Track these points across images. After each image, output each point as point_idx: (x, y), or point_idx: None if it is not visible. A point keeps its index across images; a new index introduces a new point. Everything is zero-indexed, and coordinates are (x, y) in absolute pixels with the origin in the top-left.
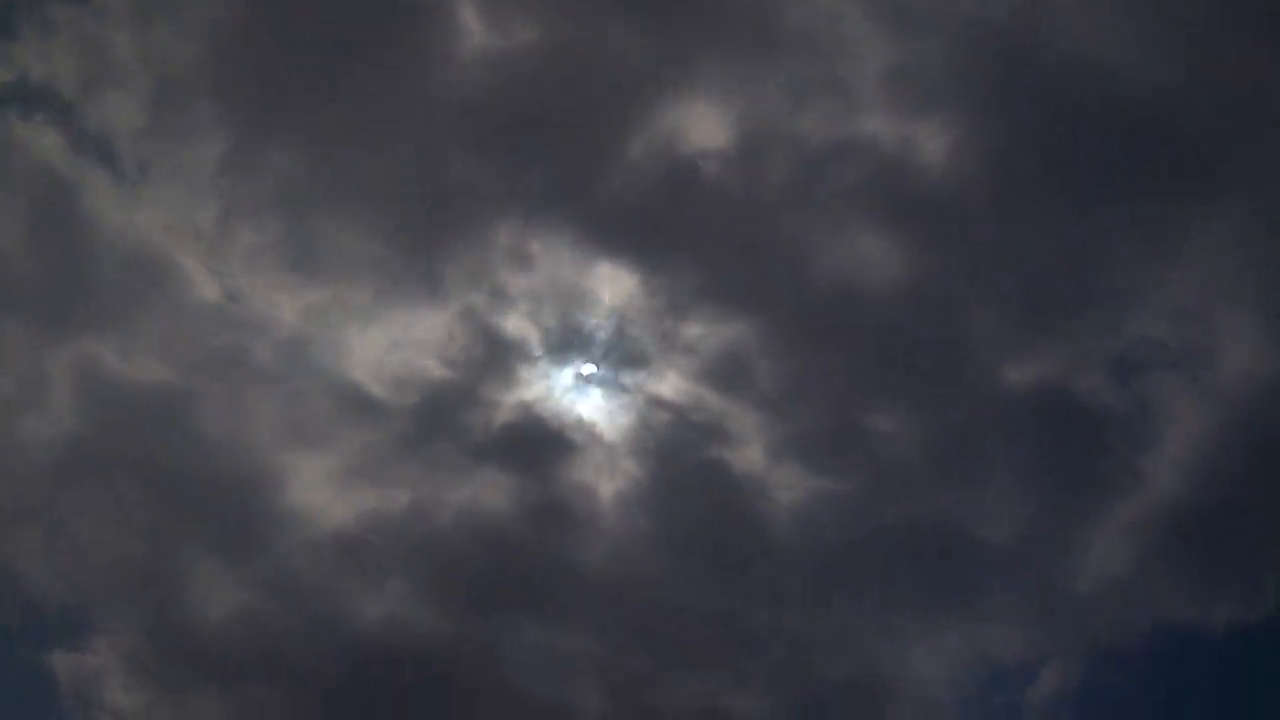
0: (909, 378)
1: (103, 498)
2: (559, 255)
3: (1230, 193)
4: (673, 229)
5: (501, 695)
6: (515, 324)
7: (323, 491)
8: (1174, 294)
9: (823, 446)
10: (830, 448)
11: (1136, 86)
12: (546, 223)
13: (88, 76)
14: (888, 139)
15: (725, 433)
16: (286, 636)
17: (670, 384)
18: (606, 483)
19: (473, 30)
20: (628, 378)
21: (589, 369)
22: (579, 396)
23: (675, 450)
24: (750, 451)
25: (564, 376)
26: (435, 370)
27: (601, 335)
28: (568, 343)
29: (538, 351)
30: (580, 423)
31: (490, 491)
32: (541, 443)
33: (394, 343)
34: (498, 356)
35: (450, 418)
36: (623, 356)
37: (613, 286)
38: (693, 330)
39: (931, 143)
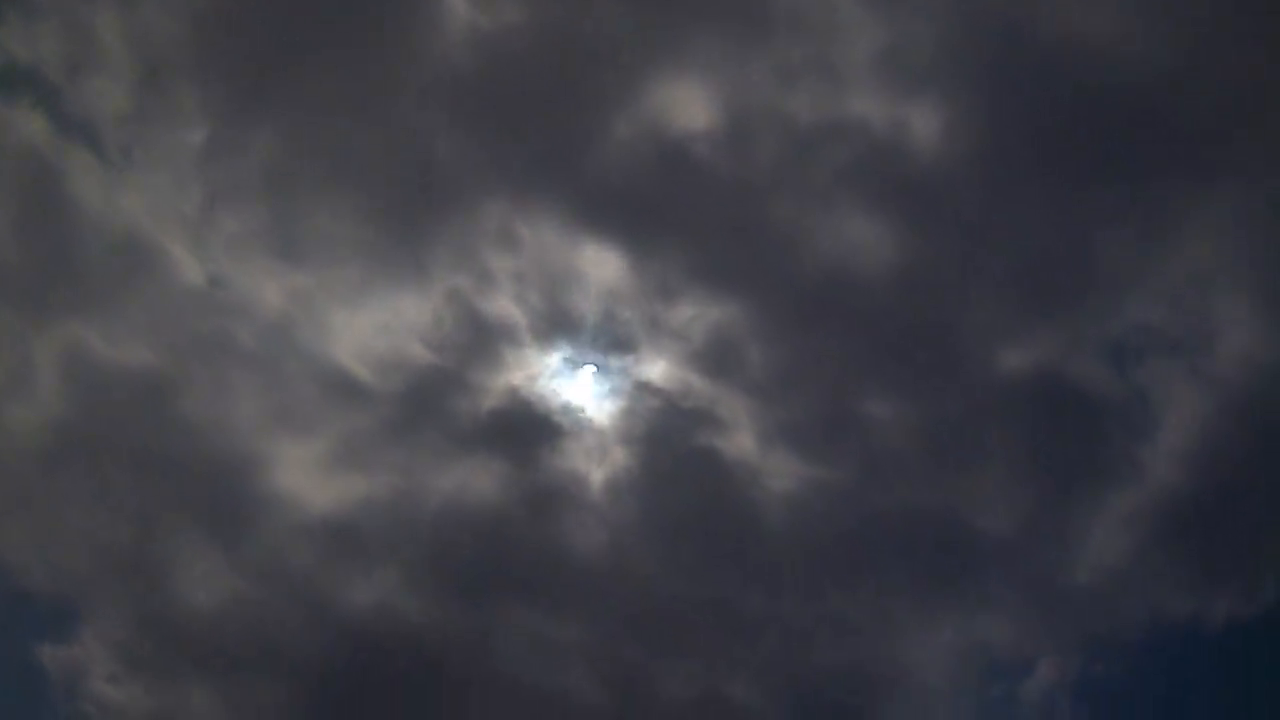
0: (903, 363)
1: (90, 484)
2: (546, 237)
3: (1227, 175)
4: (661, 211)
5: (493, 682)
6: (502, 307)
7: (310, 477)
8: (1171, 278)
9: (815, 434)
10: (823, 435)
11: (1132, 67)
12: (533, 204)
13: (73, 61)
14: (879, 121)
15: (716, 419)
16: (276, 624)
17: (660, 369)
18: (596, 469)
19: (458, 11)
20: (616, 362)
21: (577, 353)
22: (567, 381)
23: (665, 436)
24: (742, 438)
25: (552, 360)
26: (422, 355)
27: (590, 319)
28: (555, 326)
29: (525, 335)
30: (568, 408)
31: (478, 477)
32: (529, 428)
33: (380, 327)
34: (484, 340)
35: (438, 403)
36: (611, 340)
37: (601, 269)
38: (682, 314)
39: (924, 125)
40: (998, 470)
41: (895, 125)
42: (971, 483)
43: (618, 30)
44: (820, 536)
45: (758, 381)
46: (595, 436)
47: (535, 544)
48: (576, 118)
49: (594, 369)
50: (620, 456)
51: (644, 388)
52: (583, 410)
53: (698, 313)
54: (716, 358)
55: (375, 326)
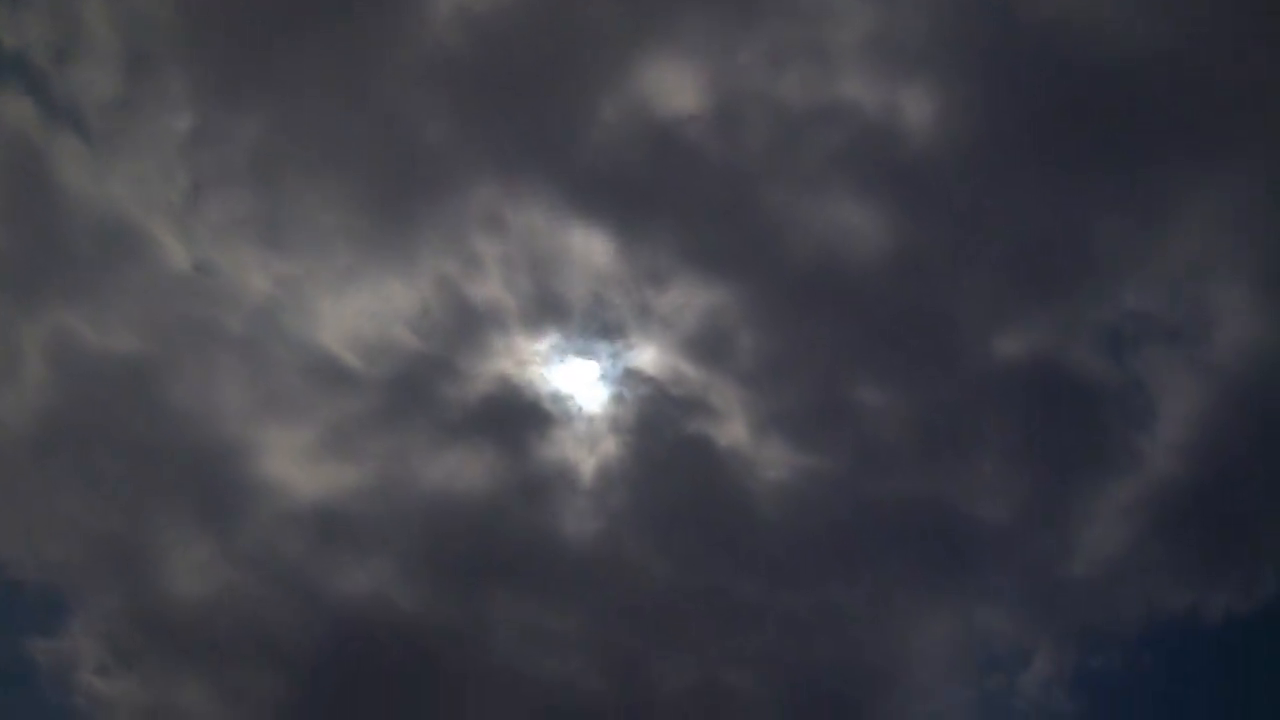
0: (897, 351)
1: (78, 473)
2: (534, 222)
3: (1226, 160)
4: (651, 195)
5: (485, 671)
6: (490, 292)
7: (299, 464)
8: (1169, 265)
9: (808, 422)
10: (816, 423)
11: (1129, 50)
12: (522, 189)
13: (60, 46)
14: (871, 104)
15: (708, 406)
16: (266, 613)
17: (650, 355)
18: (587, 457)
19: None
20: (606, 348)
21: (567, 340)
22: (557, 368)
23: (656, 424)
24: (734, 426)
25: (541, 347)
26: (410, 341)
27: (579, 304)
28: (544, 312)
29: (514, 321)
30: (558, 395)
31: (468, 465)
32: (518, 416)
33: (368, 312)
34: (473, 327)
35: (426, 389)
36: (601, 327)
37: (590, 254)
38: (672, 299)
39: (916, 108)
40: (993, 459)
41: (888, 109)
42: (967, 472)
43: (606, 13)
44: (814, 526)
45: (750, 368)
46: (585, 424)
47: (526, 532)
48: (565, 101)
49: (584, 356)
50: (611, 444)
51: (634, 375)
52: (572, 398)
53: (688, 298)
54: (708, 344)
55: (363, 312)
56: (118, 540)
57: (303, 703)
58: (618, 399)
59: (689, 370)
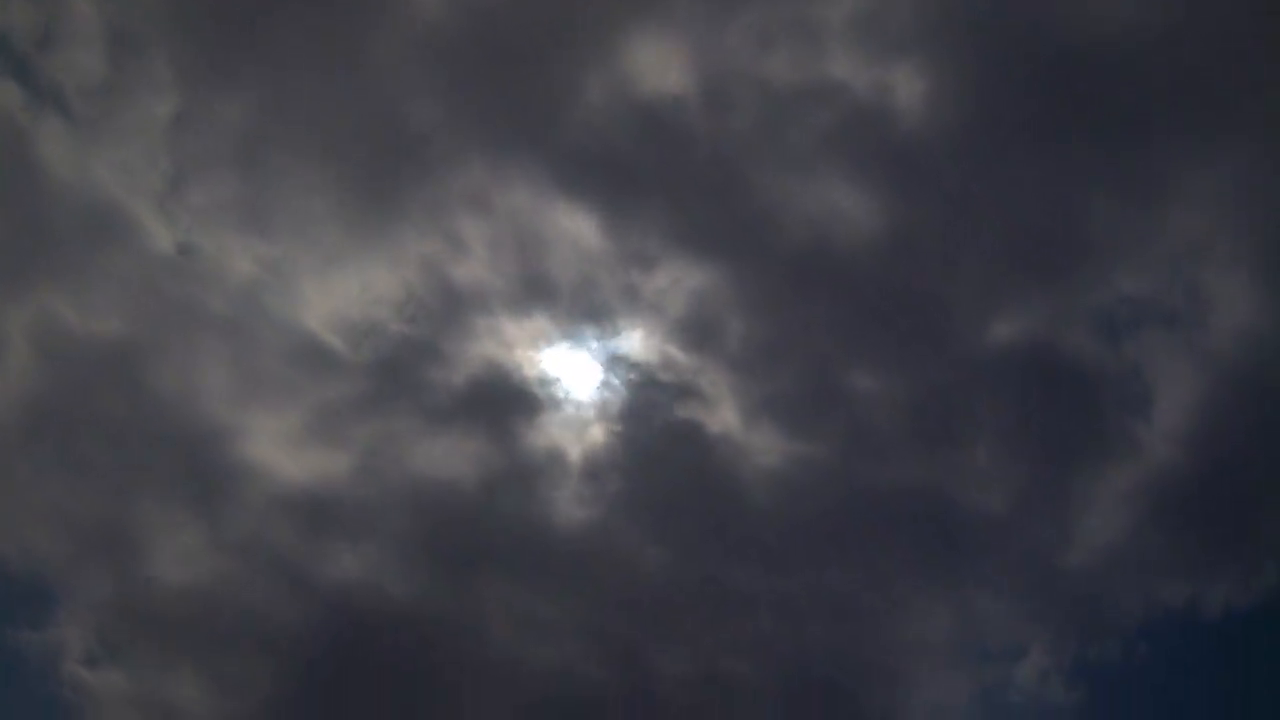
0: (889, 335)
1: (63, 459)
2: (520, 203)
3: (1224, 141)
4: (638, 176)
5: (477, 658)
6: (476, 274)
7: (285, 449)
8: (1165, 247)
9: (798, 408)
10: (807, 409)
11: (1123, 27)
12: (507, 169)
13: (44, 29)
14: (861, 84)
15: (696, 391)
16: (254, 600)
17: (638, 339)
18: (574, 442)
19: None
20: (593, 331)
21: (553, 323)
22: (543, 351)
23: (645, 410)
24: (723, 412)
25: (528, 330)
26: (395, 324)
27: (565, 287)
28: (531, 295)
29: (500, 304)
30: (545, 379)
31: (454, 450)
32: (505, 400)
33: (352, 295)
34: (458, 309)
35: (412, 373)
36: (588, 310)
37: (576, 235)
38: (660, 282)
39: (907, 88)
40: (988, 446)
41: (878, 89)
42: (961, 459)
43: None
44: (806, 514)
45: (740, 353)
46: (574, 409)
47: (516, 519)
48: (551, 81)
49: (571, 340)
50: (599, 430)
51: (622, 360)
52: (560, 381)
53: (677, 281)
54: (697, 328)
55: (348, 295)
56: (104, 528)
57: (293, 691)
58: (606, 384)
59: (678, 355)
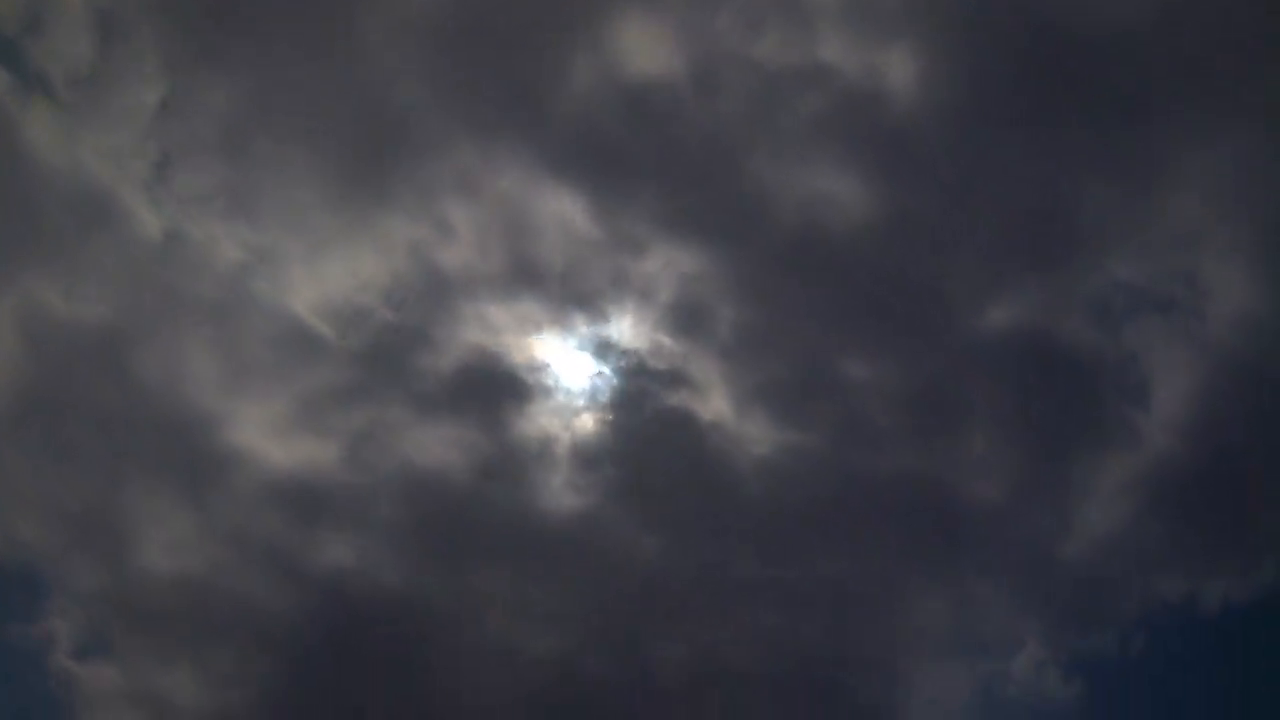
0: (882, 322)
1: (51, 447)
2: (509, 187)
3: (1221, 124)
4: (627, 159)
5: (469, 647)
6: (463, 259)
7: (272, 437)
8: (1161, 233)
9: (792, 396)
10: (800, 397)
11: (1120, 8)
12: (494, 153)
13: (32, 14)
14: (852, 68)
15: (687, 378)
16: (245, 590)
17: (628, 325)
18: (564, 429)
19: None
20: (583, 317)
21: (543, 309)
22: (533, 337)
23: (636, 399)
24: (716, 401)
25: (517, 316)
26: (382, 311)
27: (555, 271)
28: (519, 280)
29: (488, 289)
30: (535, 366)
31: (444, 437)
32: (494, 388)
33: (339, 281)
34: (446, 295)
35: (400, 360)
36: (577, 295)
37: (564, 220)
38: (650, 267)
39: (899, 71)
40: (984, 435)
41: (869, 72)
42: (956, 448)
43: None
44: (800, 504)
45: (731, 340)
46: (564, 396)
47: (507, 507)
48: (539, 63)
49: (560, 326)
50: (590, 418)
51: (612, 347)
52: (549, 367)
53: (666, 266)
54: (687, 315)
55: (335, 281)
56: (92, 517)
57: (285, 680)
58: (596, 371)
59: (669, 342)
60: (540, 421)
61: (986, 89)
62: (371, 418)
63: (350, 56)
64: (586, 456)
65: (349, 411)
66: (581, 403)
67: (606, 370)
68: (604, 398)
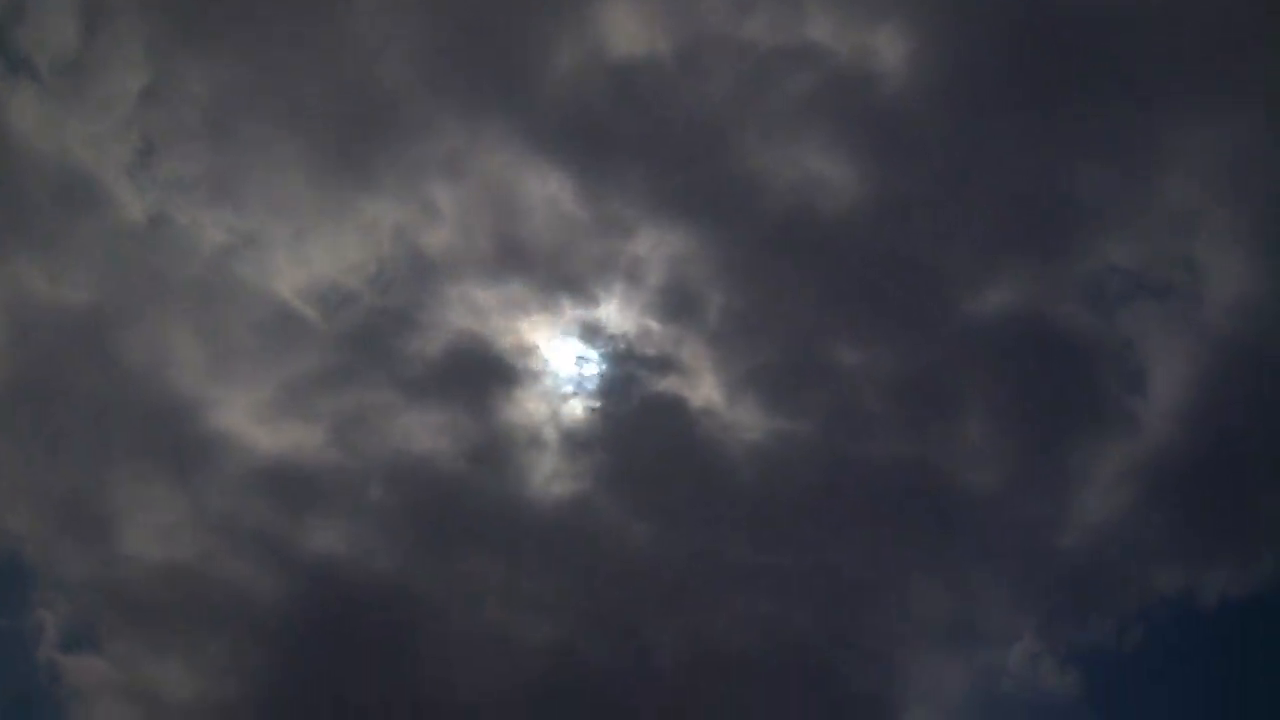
0: (874, 306)
1: (37, 434)
2: (493, 168)
3: (1219, 104)
4: (613, 140)
5: (460, 634)
6: (449, 241)
7: (258, 422)
8: (1158, 215)
9: (783, 382)
10: (791, 383)
11: None
12: (479, 134)
13: (17, 1)
14: (841, 47)
15: (674, 361)
16: (233, 576)
17: (615, 310)
18: (553, 416)
19: None
20: (569, 301)
21: (529, 292)
22: (519, 321)
23: (624, 384)
24: (706, 387)
25: (502, 298)
26: (368, 294)
27: (541, 254)
28: (505, 263)
29: (473, 272)
30: (522, 349)
31: (429, 423)
32: (481, 372)
33: (324, 265)
34: (431, 277)
35: (386, 344)
36: (564, 278)
37: (551, 201)
38: (637, 249)
39: (889, 50)
40: (979, 421)
41: (859, 52)
42: (951, 435)
43: None
44: (794, 491)
45: (720, 324)
46: (551, 380)
47: (495, 491)
48: (524, 43)
49: (547, 310)
50: (577, 402)
51: (600, 330)
52: (536, 351)
53: (654, 248)
54: (676, 299)
55: (320, 265)
56: (78, 504)
57: (277, 670)
58: (584, 356)
59: (658, 326)
60: (528, 407)
61: (979, 69)
62: (358, 402)
63: (334, 39)
64: (576, 442)
65: (335, 395)
66: (570, 388)
67: (595, 355)
68: (593, 383)
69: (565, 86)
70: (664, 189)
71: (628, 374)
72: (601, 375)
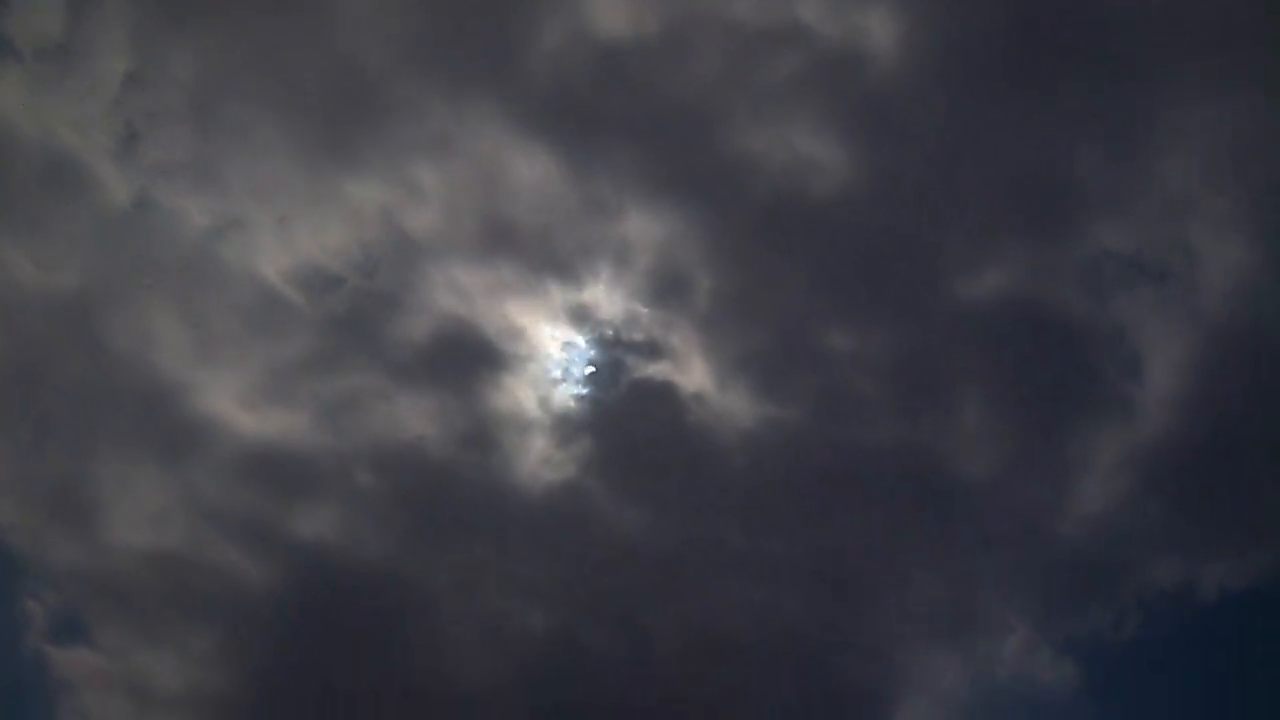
0: (866, 290)
1: (23, 421)
2: (479, 150)
3: (1216, 86)
4: (599, 121)
5: (452, 621)
6: (434, 224)
7: (243, 408)
8: (1153, 199)
9: (774, 368)
10: (782, 369)
11: None
12: (465, 115)
13: None
14: (831, 29)
15: (662, 345)
16: (222, 564)
17: (602, 294)
18: (541, 401)
19: None
20: (557, 285)
21: (516, 275)
22: (507, 304)
23: (612, 369)
24: (695, 373)
25: (490, 282)
26: (353, 278)
27: (528, 236)
28: (492, 246)
29: (459, 255)
30: (509, 333)
31: (415, 409)
32: (467, 356)
33: (309, 249)
34: (417, 261)
35: (372, 328)
36: (551, 261)
37: (537, 184)
38: (625, 232)
39: (880, 31)
40: (974, 408)
41: (849, 33)
42: (943, 422)
43: None
44: (786, 478)
45: (710, 309)
46: (538, 365)
47: (484, 478)
48: (510, 24)
49: (534, 294)
50: (565, 387)
51: (588, 314)
52: (524, 334)
53: (642, 232)
54: (665, 282)
55: (305, 249)
56: (65, 492)
57: (267, 658)
58: (572, 341)
59: (646, 311)
60: (517, 392)
61: (972, 50)
62: (345, 386)
63: (319, 21)
64: (566, 428)
65: (322, 380)
66: (559, 373)
67: (583, 340)
68: (581, 368)
69: (552, 67)
70: (653, 171)
71: (616, 359)
72: (591, 360)
